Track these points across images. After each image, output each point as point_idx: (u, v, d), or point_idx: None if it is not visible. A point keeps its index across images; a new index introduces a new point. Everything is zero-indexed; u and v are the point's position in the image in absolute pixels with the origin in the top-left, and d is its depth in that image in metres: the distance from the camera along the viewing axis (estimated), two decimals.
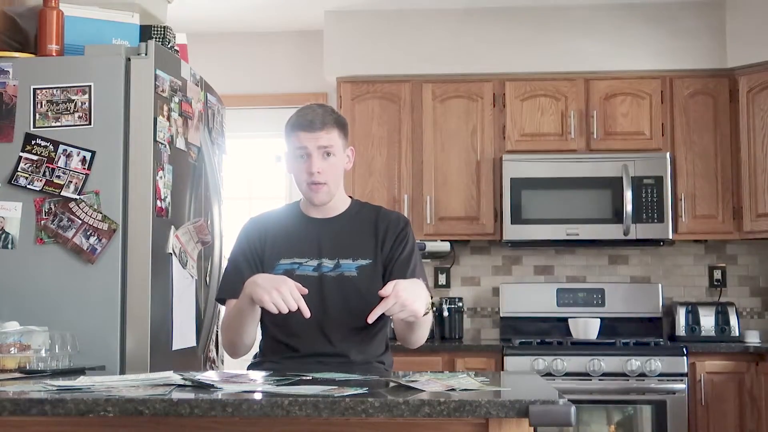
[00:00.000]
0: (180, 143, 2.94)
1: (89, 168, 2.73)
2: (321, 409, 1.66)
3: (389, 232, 2.50)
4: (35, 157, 2.73)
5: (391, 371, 2.51)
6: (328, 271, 2.45)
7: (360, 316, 2.31)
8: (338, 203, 2.54)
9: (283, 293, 2.16)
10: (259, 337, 2.49)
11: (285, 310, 2.16)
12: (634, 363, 4.39)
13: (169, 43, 3.06)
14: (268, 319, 2.39)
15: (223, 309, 3.29)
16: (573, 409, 1.64)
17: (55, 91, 2.76)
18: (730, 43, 4.88)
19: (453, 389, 1.84)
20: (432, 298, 2.34)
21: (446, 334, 4.98)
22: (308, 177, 2.43)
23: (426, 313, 2.27)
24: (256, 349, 2.56)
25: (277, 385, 1.89)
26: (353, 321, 2.42)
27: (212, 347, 3.23)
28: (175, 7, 3.69)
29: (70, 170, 2.73)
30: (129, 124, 2.76)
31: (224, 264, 3.18)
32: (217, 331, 3.27)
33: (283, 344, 2.45)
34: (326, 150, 2.43)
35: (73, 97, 2.75)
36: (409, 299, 2.16)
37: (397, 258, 2.47)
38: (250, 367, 2.49)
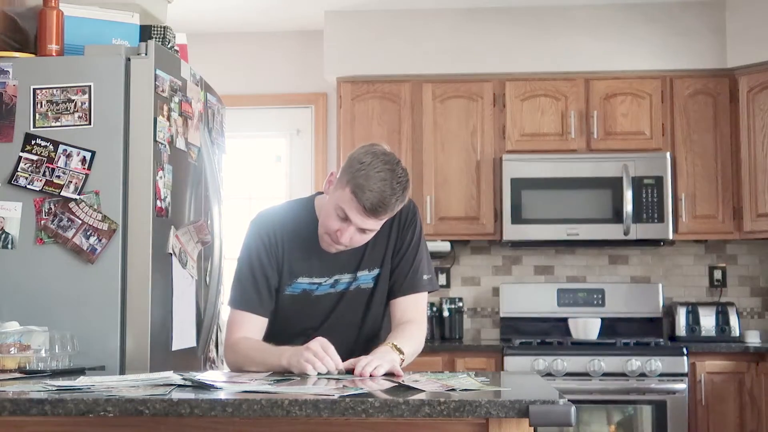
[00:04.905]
0: (180, 143, 2.93)
1: (89, 168, 2.72)
2: (321, 409, 1.66)
3: (393, 227, 2.41)
4: (35, 157, 2.73)
5: None
6: (346, 286, 2.40)
7: (369, 324, 2.31)
8: None
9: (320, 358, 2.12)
10: None
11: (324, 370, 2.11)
12: (635, 363, 4.39)
13: (169, 43, 3.05)
14: (275, 328, 2.39)
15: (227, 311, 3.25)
16: (573, 409, 1.64)
17: (55, 91, 2.75)
18: (730, 43, 4.88)
19: (453, 389, 1.84)
20: (436, 286, 2.35)
21: (446, 334, 4.98)
22: (334, 236, 2.28)
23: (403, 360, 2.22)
24: None
25: (277, 385, 1.88)
26: (363, 328, 2.44)
27: (212, 347, 3.22)
28: (175, 7, 3.69)
29: (70, 170, 2.72)
30: (129, 124, 2.75)
31: (224, 264, 3.18)
32: (217, 332, 3.27)
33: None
34: (367, 230, 2.28)
35: (73, 97, 2.75)
36: (371, 369, 2.09)
37: (401, 258, 2.42)
38: None
